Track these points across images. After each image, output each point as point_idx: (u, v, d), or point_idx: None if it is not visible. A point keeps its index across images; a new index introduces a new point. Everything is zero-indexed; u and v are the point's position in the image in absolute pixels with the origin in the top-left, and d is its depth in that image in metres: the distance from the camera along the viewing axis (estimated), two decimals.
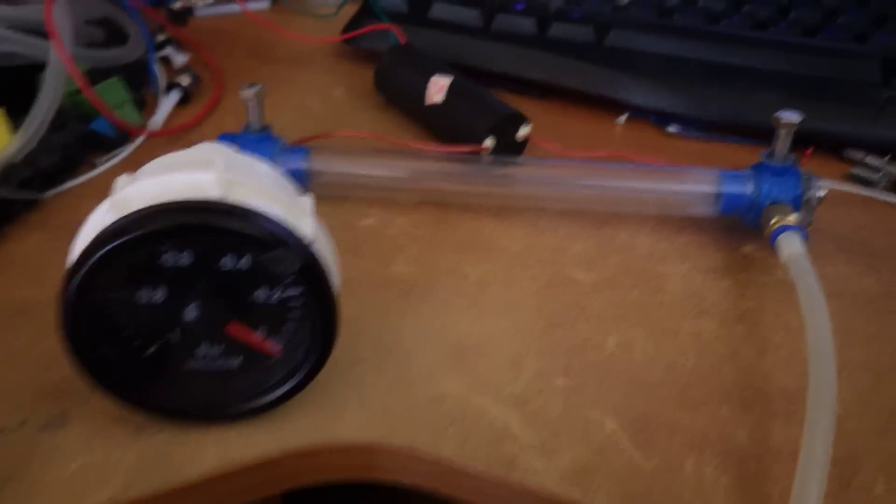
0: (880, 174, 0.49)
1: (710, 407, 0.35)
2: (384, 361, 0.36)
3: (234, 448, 0.32)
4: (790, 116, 0.41)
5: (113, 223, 0.27)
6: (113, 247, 0.27)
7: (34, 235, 0.42)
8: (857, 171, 0.51)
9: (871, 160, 0.51)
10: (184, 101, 0.54)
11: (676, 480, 0.32)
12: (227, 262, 0.30)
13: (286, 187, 0.33)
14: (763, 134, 0.51)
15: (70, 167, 0.46)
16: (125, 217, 0.27)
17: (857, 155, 0.52)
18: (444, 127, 0.49)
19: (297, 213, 0.30)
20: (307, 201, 0.32)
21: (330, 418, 0.33)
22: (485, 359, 0.36)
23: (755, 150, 0.52)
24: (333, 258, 0.32)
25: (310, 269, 0.29)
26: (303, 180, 0.44)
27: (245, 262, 0.30)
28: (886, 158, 0.51)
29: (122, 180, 0.30)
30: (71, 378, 0.32)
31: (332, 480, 0.34)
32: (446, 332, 0.38)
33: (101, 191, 0.30)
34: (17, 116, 0.43)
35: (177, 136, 0.51)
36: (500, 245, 0.44)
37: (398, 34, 0.56)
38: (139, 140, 0.50)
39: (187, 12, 0.64)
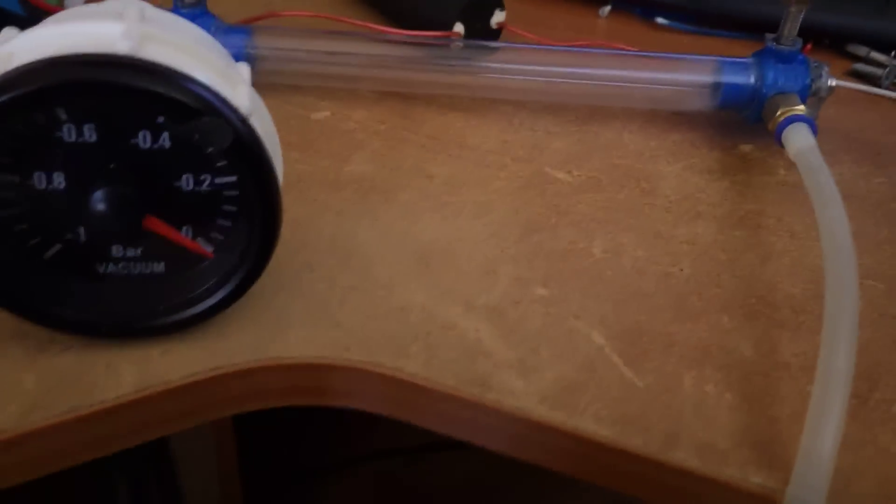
0: (886, 70, 0.45)
1: (710, 317, 0.31)
2: (338, 269, 0.31)
3: (157, 368, 0.27)
4: None
5: None
6: None
7: None
8: (860, 67, 0.46)
9: (876, 56, 0.46)
10: None
11: (675, 399, 0.27)
12: (143, 138, 0.24)
13: (219, 51, 0.27)
14: (759, 28, 0.47)
15: None
16: (5, 74, 0.22)
17: (861, 50, 0.47)
18: (407, 10, 0.43)
19: (231, 80, 0.25)
20: (243, 68, 0.26)
21: (272, 333, 0.28)
22: (454, 266, 0.32)
23: (751, 46, 0.47)
24: (274, 140, 0.26)
25: (246, 147, 0.24)
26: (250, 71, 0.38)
27: (165, 139, 0.24)
28: (893, 54, 0.46)
29: (7, 33, 0.24)
30: None
31: (275, 405, 0.29)
32: (410, 236, 0.33)
33: None
34: None
35: None
36: (470, 142, 0.38)
37: None
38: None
39: None
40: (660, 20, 0.48)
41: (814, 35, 0.47)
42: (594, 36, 0.48)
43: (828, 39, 0.48)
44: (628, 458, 0.26)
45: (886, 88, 0.45)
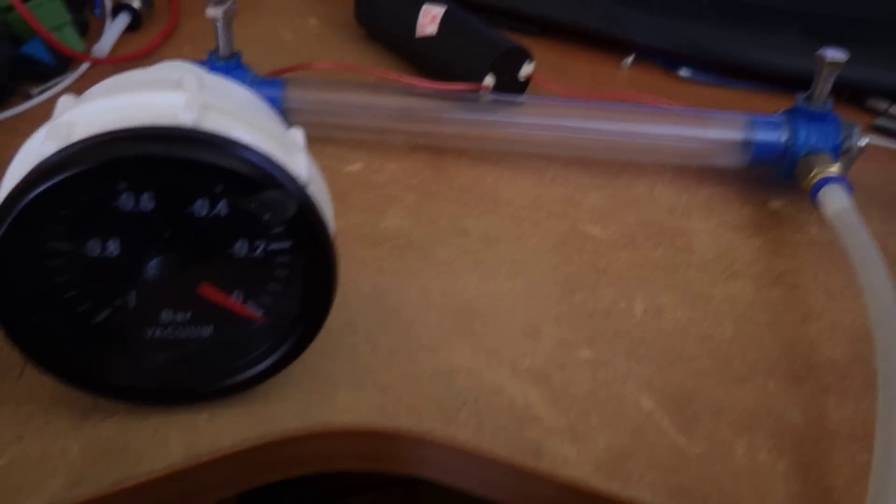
0: None
1: (756, 382, 0.30)
2: (380, 329, 0.31)
3: (205, 435, 0.26)
4: (834, 55, 0.36)
5: (53, 154, 0.21)
6: (52, 184, 0.21)
7: None
8: (882, 122, 0.46)
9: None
10: (134, 26, 0.47)
11: (729, 468, 0.27)
12: (200, 206, 0.24)
13: (272, 116, 0.27)
14: (781, 81, 0.47)
15: (0, 96, 0.39)
16: (69, 147, 0.21)
17: (881, 105, 0.47)
18: (437, 62, 0.43)
19: (288, 148, 0.24)
20: (298, 134, 0.26)
21: (318, 398, 0.28)
22: (496, 327, 0.31)
23: (773, 98, 0.47)
24: (328, 205, 0.26)
25: (304, 217, 0.24)
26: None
27: (222, 207, 0.24)
28: None
29: (65, 101, 0.23)
30: None
31: (324, 471, 0.28)
32: (450, 295, 0.32)
33: (38, 124, 0.23)
34: None
35: (127, 67, 0.44)
36: (504, 196, 0.38)
37: None
38: (82, 68, 0.43)
39: None
40: (682, 72, 0.49)
41: (834, 89, 0.47)
42: (617, 86, 0.48)
43: (848, 92, 0.49)
44: None
45: None
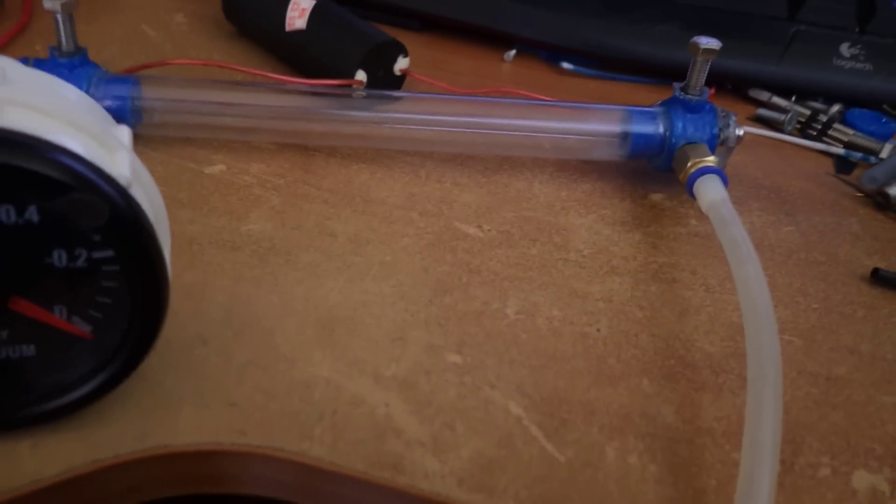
0: (788, 116, 0.45)
1: (630, 381, 0.29)
2: (234, 341, 0.28)
3: (27, 465, 0.24)
4: (709, 42, 0.36)
5: None
6: None
7: None
8: (763, 112, 0.46)
9: (778, 101, 0.47)
10: None
11: (599, 474, 0.26)
12: (6, 213, 0.21)
13: (96, 114, 0.25)
14: (664, 73, 0.47)
15: None
16: None
17: (763, 95, 0.48)
18: (306, 58, 0.42)
19: (108, 146, 0.22)
20: (124, 131, 0.24)
21: (159, 418, 0.26)
22: (361, 333, 0.30)
23: (656, 90, 0.47)
24: (160, 207, 0.24)
25: (125, 221, 0.21)
26: (131, 118, 0.35)
27: (32, 213, 0.22)
28: (793, 99, 0.47)
29: None
30: None
31: (167, 496, 0.26)
32: (313, 302, 0.31)
33: None
34: None
35: None
36: (375, 196, 0.37)
37: None
38: None
39: None
40: (565, 65, 0.48)
41: (716, 80, 0.47)
42: (500, 81, 0.47)
43: (730, 84, 0.49)
44: None
45: (789, 133, 0.45)
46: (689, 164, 0.35)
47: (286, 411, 0.26)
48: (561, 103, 0.39)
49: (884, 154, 0.43)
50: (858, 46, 0.47)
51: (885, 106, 0.47)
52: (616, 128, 0.38)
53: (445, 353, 0.29)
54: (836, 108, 0.46)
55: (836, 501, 0.26)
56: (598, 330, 0.31)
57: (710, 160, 0.35)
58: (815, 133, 0.45)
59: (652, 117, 0.38)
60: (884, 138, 0.44)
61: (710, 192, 0.34)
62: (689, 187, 0.35)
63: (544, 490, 0.25)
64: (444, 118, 0.38)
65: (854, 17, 0.47)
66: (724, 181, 0.35)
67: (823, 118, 0.45)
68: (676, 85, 0.38)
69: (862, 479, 0.27)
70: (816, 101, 0.47)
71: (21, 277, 0.23)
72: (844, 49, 0.47)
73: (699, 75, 0.37)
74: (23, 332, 0.24)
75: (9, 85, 0.22)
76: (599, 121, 0.38)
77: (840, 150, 0.43)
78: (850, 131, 0.45)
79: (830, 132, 0.45)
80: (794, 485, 0.26)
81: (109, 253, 0.23)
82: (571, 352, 0.30)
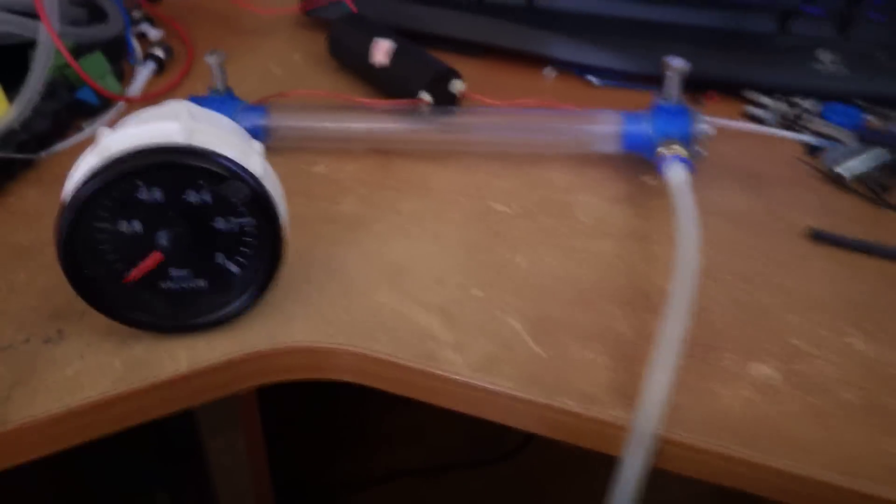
0: (771, 112, 0.56)
1: (602, 307, 0.42)
2: (328, 282, 0.43)
3: (202, 352, 0.39)
4: (677, 62, 0.48)
5: (97, 165, 0.34)
6: (95, 184, 0.34)
7: (31, 190, 0.49)
8: (750, 109, 0.57)
9: (764, 100, 0.57)
10: (159, 71, 0.61)
11: (566, 363, 0.39)
12: (192, 195, 0.36)
13: (241, 135, 0.40)
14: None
15: (60, 131, 0.53)
16: (106, 160, 0.34)
17: (754, 95, 0.58)
18: (387, 84, 0.56)
19: (248, 154, 0.37)
20: (257, 145, 0.39)
21: (281, 327, 0.40)
22: (414, 277, 0.43)
23: None
24: (280, 192, 0.39)
25: (258, 198, 0.36)
26: (263, 135, 0.51)
27: (206, 195, 0.37)
28: (780, 99, 0.58)
29: (104, 131, 0.36)
30: (65, 303, 0.40)
31: (285, 379, 0.41)
32: (382, 257, 0.45)
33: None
34: (12, 88, 0.50)
35: (153, 102, 0.58)
36: (433, 185, 0.50)
37: (349, 4, 0.63)
38: (119, 106, 0.56)
39: None
40: (591, 79, 0.60)
41: (718, 85, 0.58)
42: (541, 94, 0.59)
43: (731, 89, 0.60)
44: (525, 404, 0.37)
45: (775, 127, 0.56)
46: (660, 153, 0.47)
47: (361, 324, 0.40)
48: (572, 111, 0.51)
49: (849, 142, 0.53)
50: (837, 53, 0.57)
51: (859, 102, 0.56)
52: (614, 128, 0.50)
53: (471, 289, 0.43)
54: (807, 103, 0.56)
55: (733, 382, 0.38)
56: (586, 274, 0.44)
57: (676, 149, 0.47)
58: (794, 126, 0.55)
59: (641, 119, 0.50)
60: (853, 129, 0.54)
61: (673, 173, 0.46)
62: (659, 170, 0.47)
63: (528, 372, 0.38)
64: (487, 126, 0.51)
65: (834, 29, 0.57)
66: (689, 164, 0.46)
67: (800, 112, 0.56)
68: (656, 94, 0.49)
69: (757, 369, 0.38)
70: (802, 98, 0.57)
71: (200, 235, 0.38)
72: (824, 55, 0.57)
73: (673, 86, 0.48)
74: (198, 271, 0.39)
75: (194, 120, 0.37)
76: (601, 122, 0.50)
77: (811, 139, 0.54)
78: (824, 123, 0.55)
79: (808, 125, 0.55)
80: (704, 371, 0.38)
81: (250, 220, 0.38)
82: (562, 289, 0.43)
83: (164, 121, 0.36)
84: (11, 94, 0.50)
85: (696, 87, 0.59)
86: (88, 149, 0.36)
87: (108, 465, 0.82)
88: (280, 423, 0.82)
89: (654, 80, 0.59)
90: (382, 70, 0.56)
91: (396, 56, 0.56)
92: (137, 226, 0.37)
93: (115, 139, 0.35)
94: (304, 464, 1.05)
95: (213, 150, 0.35)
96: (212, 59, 0.49)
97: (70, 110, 0.54)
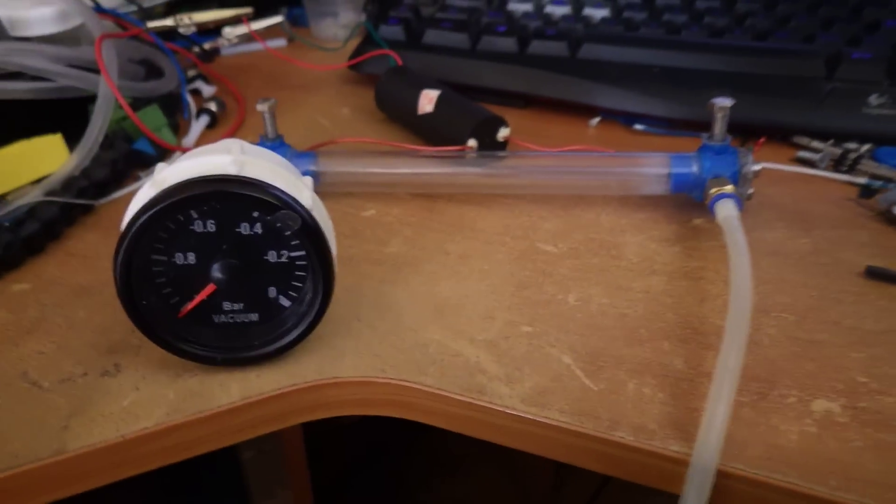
0: (821, 155, 0.56)
1: (653, 343, 0.41)
2: (378, 319, 0.43)
3: (253, 385, 0.39)
4: (723, 101, 0.48)
5: (154, 195, 0.35)
6: (151, 213, 0.35)
7: (90, 234, 0.50)
8: (801, 153, 0.57)
9: (815, 144, 0.57)
10: (212, 125, 0.63)
11: (620, 397, 0.38)
12: (244, 227, 0.37)
13: (291, 169, 0.40)
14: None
15: (118, 179, 0.54)
16: (161, 191, 0.35)
17: (804, 140, 0.58)
18: (434, 132, 0.57)
19: (299, 187, 0.38)
20: (308, 180, 0.39)
21: (331, 362, 0.40)
22: (463, 314, 0.43)
23: None
24: (329, 225, 0.39)
25: (309, 229, 0.37)
26: (313, 181, 0.51)
27: (258, 227, 0.37)
28: (830, 142, 0.57)
29: (160, 166, 0.37)
30: (122, 339, 0.41)
31: (334, 414, 0.41)
32: (431, 295, 0.45)
33: None
34: (73, 138, 0.51)
35: None
36: (479, 227, 0.51)
37: (396, 58, 0.64)
38: (175, 156, 0.58)
39: (214, 52, 0.73)
40: (637, 126, 0.61)
41: (766, 131, 0.58)
42: (585, 142, 0.60)
43: (779, 134, 0.59)
44: (579, 438, 0.37)
45: (823, 170, 0.56)
46: (711, 192, 0.47)
47: (411, 359, 0.40)
48: (620, 153, 0.52)
49: None
50: (886, 96, 0.57)
51: None
52: (661, 170, 0.50)
53: (520, 326, 0.42)
54: (865, 147, 0.56)
55: (796, 418, 0.37)
56: (635, 311, 0.43)
57: (728, 188, 0.47)
58: (845, 168, 0.55)
59: (688, 160, 0.50)
60: None
61: (724, 209, 0.45)
62: (710, 208, 0.47)
63: (581, 406, 0.38)
64: (533, 170, 0.52)
65: (884, 73, 0.57)
66: (739, 203, 0.46)
67: (854, 156, 0.55)
68: (704, 135, 0.50)
69: (820, 405, 0.37)
70: (852, 142, 0.57)
71: (252, 267, 0.38)
72: (873, 99, 0.57)
73: (720, 127, 0.48)
74: (251, 305, 0.39)
75: (246, 153, 0.38)
76: (649, 165, 0.50)
77: (863, 180, 0.53)
78: (876, 165, 0.54)
79: (859, 167, 0.55)
80: (765, 407, 0.37)
81: (301, 252, 0.38)
82: (612, 325, 0.42)
83: (217, 154, 0.37)
84: (73, 144, 0.52)
85: (744, 133, 0.59)
86: (146, 182, 0.37)
87: None
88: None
89: (697, 127, 0.60)
90: (428, 118, 0.57)
91: (442, 105, 0.57)
92: (192, 258, 0.37)
93: (170, 172, 0.36)
94: (340, 484, 1.04)
95: (264, 181, 0.36)
96: (263, 107, 0.50)
97: (127, 160, 0.55)
